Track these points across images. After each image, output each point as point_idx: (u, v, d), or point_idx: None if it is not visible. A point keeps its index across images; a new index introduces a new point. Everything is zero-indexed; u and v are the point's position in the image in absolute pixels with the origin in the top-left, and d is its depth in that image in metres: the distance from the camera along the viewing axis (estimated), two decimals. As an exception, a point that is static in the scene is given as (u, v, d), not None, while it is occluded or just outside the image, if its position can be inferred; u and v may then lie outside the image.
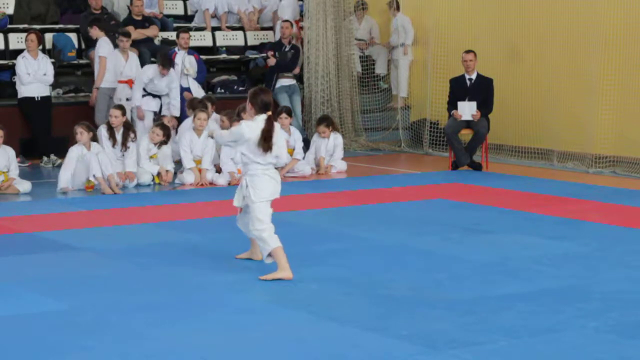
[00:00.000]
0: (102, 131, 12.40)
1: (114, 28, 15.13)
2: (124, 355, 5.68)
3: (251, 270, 7.80)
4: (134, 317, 6.44)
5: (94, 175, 11.71)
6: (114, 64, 14.30)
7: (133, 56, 14.62)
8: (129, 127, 12.43)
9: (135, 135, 12.46)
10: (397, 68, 16.85)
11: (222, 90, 16.01)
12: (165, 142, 12.57)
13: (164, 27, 16.39)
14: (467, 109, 13.53)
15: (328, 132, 13.68)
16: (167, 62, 13.90)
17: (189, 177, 12.49)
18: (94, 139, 12.01)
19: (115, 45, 14.44)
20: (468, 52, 13.82)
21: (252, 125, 7.57)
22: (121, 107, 12.61)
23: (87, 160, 11.78)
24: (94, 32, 14.49)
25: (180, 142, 12.74)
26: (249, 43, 17.19)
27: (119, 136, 12.33)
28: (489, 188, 12.08)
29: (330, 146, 13.67)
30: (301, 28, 16.65)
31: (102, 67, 14.20)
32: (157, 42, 16.03)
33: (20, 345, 5.86)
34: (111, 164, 11.88)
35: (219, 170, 12.71)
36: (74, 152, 11.86)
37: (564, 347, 5.79)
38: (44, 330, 6.20)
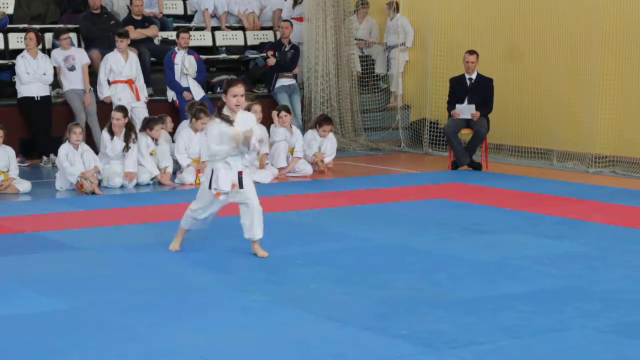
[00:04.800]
0: (104, 134, 12.40)
1: (114, 28, 15.14)
2: (124, 355, 5.68)
3: (251, 270, 7.80)
4: (134, 317, 6.44)
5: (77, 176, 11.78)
6: (113, 64, 14.39)
7: (133, 56, 14.64)
8: (131, 128, 12.42)
9: (137, 137, 12.44)
10: (394, 68, 16.86)
11: (222, 91, 15.99)
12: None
13: (164, 27, 16.39)
14: (466, 111, 13.54)
15: (328, 133, 13.76)
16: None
17: (189, 177, 12.50)
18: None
19: (114, 46, 14.51)
20: (472, 53, 13.78)
21: None
22: (123, 109, 12.59)
23: (71, 159, 11.82)
24: None
25: (177, 144, 12.76)
26: (249, 43, 17.18)
27: (121, 137, 12.31)
28: (489, 188, 12.08)
29: (324, 144, 13.69)
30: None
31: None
32: (157, 42, 16.03)
33: (20, 345, 5.86)
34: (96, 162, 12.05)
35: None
36: (63, 150, 11.92)
37: (564, 347, 5.79)
38: (44, 330, 6.20)
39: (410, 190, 11.94)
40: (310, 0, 16.26)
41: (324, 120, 13.96)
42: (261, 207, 8.19)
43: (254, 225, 8.15)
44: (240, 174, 8.13)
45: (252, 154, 8.39)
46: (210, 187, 8.13)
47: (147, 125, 12.71)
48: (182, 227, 8.50)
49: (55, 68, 14.33)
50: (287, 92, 15.91)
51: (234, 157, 8.11)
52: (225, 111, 8.15)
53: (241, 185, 8.12)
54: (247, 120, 8.20)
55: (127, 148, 12.27)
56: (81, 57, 14.48)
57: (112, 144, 12.29)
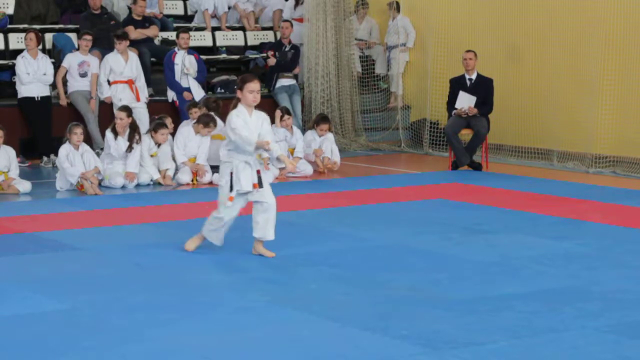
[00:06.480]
0: (108, 134, 12.40)
1: (113, 28, 15.14)
2: (124, 355, 5.68)
3: (251, 270, 7.80)
4: (134, 317, 6.44)
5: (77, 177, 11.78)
6: (113, 65, 14.42)
7: (133, 56, 14.65)
8: (134, 129, 12.40)
9: (140, 137, 12.42)
10: (394, 68, 16.86)
11: (222, 90, 16.03)
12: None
13: (164, 27, 16.41)
14: (466, 100, 13.54)
15: (325, 131, 13.73)
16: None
17: (185, 177, 12.50)
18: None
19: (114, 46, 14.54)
20: (469, 51, 13.85)
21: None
22: (127, 109, 12.58)
23: (71, 159, 11.82)
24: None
25: (175, 140, 12.78)
26: (249, 43, 17.20)
27: (124, 137, 12.30)
28: (489, 188, 12.08)
29: (324, 144, 13.66)
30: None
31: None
32: (157, 42, 16.04)
33: (20, 345, 5.86)
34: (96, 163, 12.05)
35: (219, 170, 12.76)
36: (63, 150, 11.92)
37: (564, 347, 5.79)
38: (44, 330, 6.20)
39: (410, 190, 11.94)
40: (311, 1, 16.26)
41: (321, 120, 14.00)
42: (276, 208, 8.19)
43: (268, 225, 8.12)
44: (258, 172, 8.10)
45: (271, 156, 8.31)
46: (231, 189, 8.06)
47: (153, 127, 12.72)
48: (203, 235, 8.36)
49: (55, 68, 14.33)
50: (287, 92, 15.91)
51: (251, 156, 8.08)
52: (241, 107, 8.07)
53: (261, 184, 8.11)
54: (262, 120, 8.14)
55: (130, 148, 12.27)
56: (94, 66, 14.49)
57: (115, 144, 12.29)
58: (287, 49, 16.08)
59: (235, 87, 8.28)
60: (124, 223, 9.86)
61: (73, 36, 15.44)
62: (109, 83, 14.52)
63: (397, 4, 16.91)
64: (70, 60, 14.46)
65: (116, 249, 8.63)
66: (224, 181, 8.16)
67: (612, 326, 6.18)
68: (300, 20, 16.90)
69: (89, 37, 14.43)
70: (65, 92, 14.54)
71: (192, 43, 15.53)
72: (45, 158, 14.05)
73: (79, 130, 12.00)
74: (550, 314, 6.45)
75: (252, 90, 8.01)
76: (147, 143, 12.52)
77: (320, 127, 13.77)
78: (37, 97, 14.03)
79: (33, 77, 13.95)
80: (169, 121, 13.20)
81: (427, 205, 10.93)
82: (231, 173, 8.07)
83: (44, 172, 13.61)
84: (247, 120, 8.03)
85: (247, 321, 6.37)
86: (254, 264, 7.99)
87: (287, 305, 6.70)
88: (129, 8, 16.05)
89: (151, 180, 12.45)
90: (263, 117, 8.20)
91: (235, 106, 8.10)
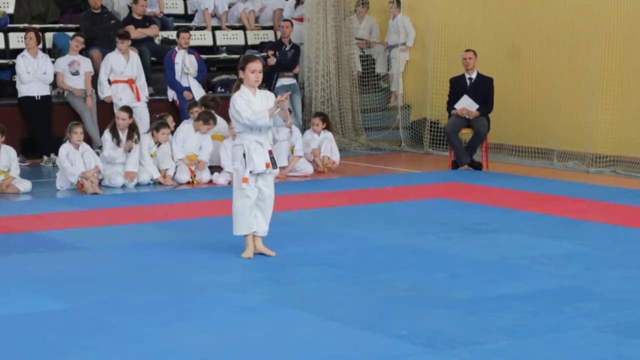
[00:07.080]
0: (106, 134, 12.39)
1: (114, 27, 15.14)
2: (124, 355, 5.68)
3: (251, 270, 7.81)
4: (134, 317, 6.44)
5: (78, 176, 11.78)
6: (114, 64, 14.42)
7: (134, 55, 14.65)
8: (133, 128, 12.40)
9: (139, 137, 12.42)
10: (394, 67, 16.86)
11: (223, 90, 16.03)
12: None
13: (164, 27, 16.41)
14: (468, 105, 13.52)
15: (320, 127, 13.64)
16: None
17: (184, 176, 12.50)
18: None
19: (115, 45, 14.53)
20: (468, 50, 13.86)
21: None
22: (128, 109, 12.58)
23: (71, 159, 11.82)
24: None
25: (174, 136, 12.78)
26: (249, 42, 17.21)
27: (123, 137, 12.29)
28: (489, 188, 12.08)
29: (323, 144, 13.61)
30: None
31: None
32: (157, 41, 16.04)
33: (20, 345, 5.86)
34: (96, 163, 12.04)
35: (219, 169, 12.77)
36: (64, 150, 11.91)
37: (564, 347, 5.79)
38: (44, 330, 6.20)
39: (410, 190, 11.94)
40: (311, 0, 16.26)
41: (314, 116, 14.01)
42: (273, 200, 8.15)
43: (264, 218, 8.09)
44: (270, 152, 8.04)
45: (281, 126, 8.20)
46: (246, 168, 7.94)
47: (155, 126, 12.70)
48: (242, 235, 8.18)
49: (55, 74, 14.33)
50: (287, 92, 15.89)
51: (262, 134, 8.00)
52: (243, 88, 8.01)
53: (274, 165, 8.07)
54: (267, 98, 8.07)
55: (129, 149, 12.27)
56: (85, 65, 14.50)
57: (114, 144, 12.28)
58: (287, 48, 16.07)
59: (238, 67, 8.15)
60: (124, 223, 9.86)
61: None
62: (109, 82, 14.53)
63: (398, 1, 16.90)
64: (61, 64, 14.42)
65: (116, 248, 8.64)
66: (237, 164, 8.04)
67: (612, 326, 6.18)
68: (301, 19, 16.91)
69: (80, 39, 14.44)
70: (63, 93, 14.54)
71: (193, 42, 15.53)
72: (45, 157, 14.06)
73: (79, 130, 12.01)
74: (550, 314, 6.46)
75: (254, 69, 7.92)
76: (147, 142, 12.52)
77: (313, 122, 13.75)
78: (37, 97, 14.03)
79: (33, 76, 13.96)
80: (170, 120, 13.20)
81: (427, 205, 10.93)
82: (244, 154, 7.98)
83: (44, 171, 13.61)
84: (251, 100, 7.94)
85: (247, 321, 6.37)
86: (254, 264, 7.99)
87: (287, 305, 6.70)
88: (129, 7, 16.05)
89: (151, 179, 12.45)
90: (268, 95, 8.13)
91: (237, 87, 8.04)
